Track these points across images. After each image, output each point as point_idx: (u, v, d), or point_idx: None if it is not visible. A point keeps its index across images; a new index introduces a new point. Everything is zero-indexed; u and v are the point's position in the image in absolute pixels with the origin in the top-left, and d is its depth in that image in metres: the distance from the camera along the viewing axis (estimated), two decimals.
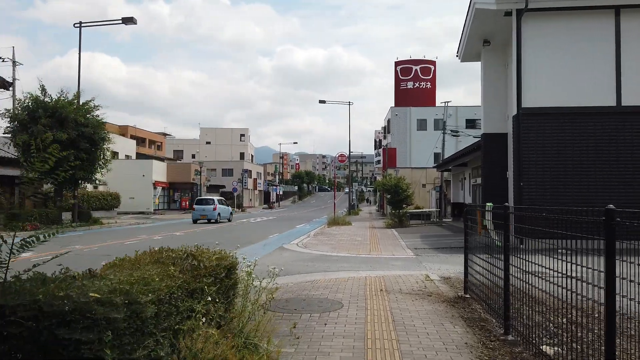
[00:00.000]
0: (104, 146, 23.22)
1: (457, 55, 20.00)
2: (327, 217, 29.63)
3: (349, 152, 42.08)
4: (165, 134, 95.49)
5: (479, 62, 19.77)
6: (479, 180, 23.35)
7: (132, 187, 42.68)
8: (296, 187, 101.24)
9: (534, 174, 14.11)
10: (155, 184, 43.85)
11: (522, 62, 14.32)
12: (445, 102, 32.92)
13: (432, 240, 16.66)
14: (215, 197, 31.60)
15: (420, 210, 28.62)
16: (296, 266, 10.66)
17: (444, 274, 9.49)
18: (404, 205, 25.54)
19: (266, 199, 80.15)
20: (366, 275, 8.90)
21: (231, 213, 31.91)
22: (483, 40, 18.15)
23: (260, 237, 19.06)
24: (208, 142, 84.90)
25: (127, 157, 47.80)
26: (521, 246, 4.50)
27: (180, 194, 48.88)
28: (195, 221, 28.73)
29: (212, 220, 28.90)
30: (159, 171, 45.77)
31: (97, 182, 24.52)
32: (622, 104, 13.84)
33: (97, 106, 22.59)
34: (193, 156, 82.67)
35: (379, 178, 43.96)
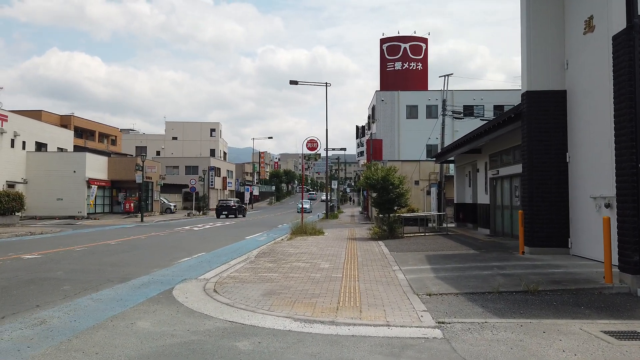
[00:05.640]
0: None
1: None
2: (295, 222, 22.25)
3: (327, 143, 34.77)
4: (129, 130, 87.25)
5: None
6: (502, 172, 16.37)
7: (60, 185, 34.89)
8: (274, 187, 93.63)
9: None
10: (89, 182, 35.94)
11: None
12: (445, 76, 25.83)
13: (454, 270, 9.48)
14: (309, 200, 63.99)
15: (416, 214, 21.45)
16: None
17: None
18: (395, 208, 18.33)
19: (239, 200, 72.47)
20: None
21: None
22: None
23: (163, 261, 11.69)
24: (174, 138, 76.82)
25: (61, 149, 39.85)
26: None
27: (125, 194, 40.65)
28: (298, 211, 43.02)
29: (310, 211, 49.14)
30: (96, 167, 37.86)
31: None
32: None
33: None
34: (158, 153, 74.84)
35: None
